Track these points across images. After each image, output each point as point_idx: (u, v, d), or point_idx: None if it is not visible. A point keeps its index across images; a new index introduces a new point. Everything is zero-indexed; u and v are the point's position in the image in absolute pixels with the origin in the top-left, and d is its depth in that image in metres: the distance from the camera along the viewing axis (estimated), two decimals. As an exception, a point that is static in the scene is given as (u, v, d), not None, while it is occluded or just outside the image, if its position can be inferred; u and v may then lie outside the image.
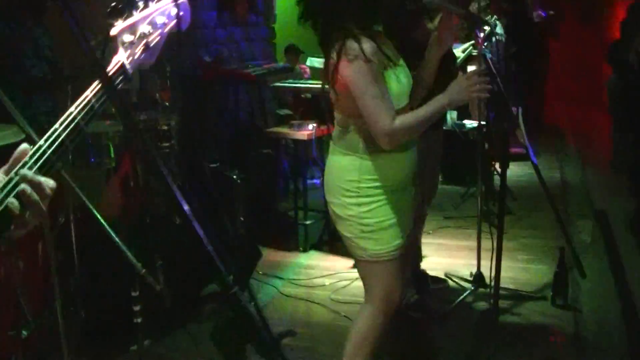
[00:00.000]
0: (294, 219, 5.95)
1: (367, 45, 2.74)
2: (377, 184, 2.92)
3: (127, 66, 1.74)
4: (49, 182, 1.55)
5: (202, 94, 6.73)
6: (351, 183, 2.94)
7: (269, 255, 5.60)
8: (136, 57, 1.77)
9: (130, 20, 1.76)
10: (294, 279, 5.17)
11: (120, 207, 4.03)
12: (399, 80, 2.88)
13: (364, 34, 2.78)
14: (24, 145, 1.56)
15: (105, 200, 3.98)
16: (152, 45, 1.80)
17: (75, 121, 1.59)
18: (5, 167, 1.56)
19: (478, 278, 4.70)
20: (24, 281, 2.92)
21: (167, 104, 5.12)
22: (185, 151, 6.48)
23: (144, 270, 2.57)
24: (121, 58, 1.74)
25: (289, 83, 6.46)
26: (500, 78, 3.12)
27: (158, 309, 3.85)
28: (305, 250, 5.73)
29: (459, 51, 4.26)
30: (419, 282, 4.71)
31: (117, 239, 2.62)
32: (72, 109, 1.61)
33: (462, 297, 4.63)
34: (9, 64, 4.53)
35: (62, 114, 1.61)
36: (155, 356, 3.92)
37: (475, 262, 4.76)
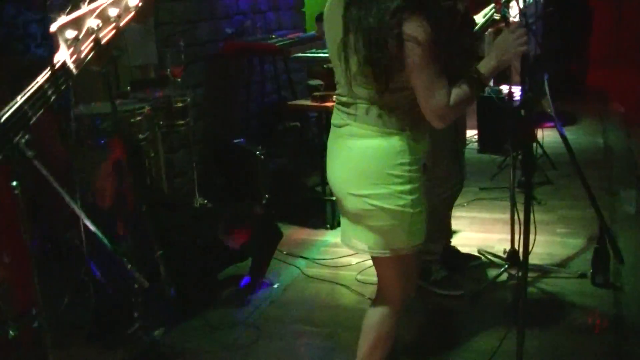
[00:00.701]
0: (321, 195, 5.69)
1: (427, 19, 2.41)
2: (419, 165, 2.59)
3: (71, 65, 1.58)
4: None
5: (223, 68, 6.51)
6: (402, 167, 2.56)
7: (294, 233, 5.39)
8: (83, 54, 1.61)
9: (74, 14, 1.58)
10: (318, 259, 4.93)
11: (113, 195, 3.83)
12: None
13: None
14: None
15: (98, 187, 3.78)
16: (103, 41, 1.63)
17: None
18: None
19: (512, 255, 4.41)
20: (10, 276, 2.74)
21: (178, 79, 4.88)
22: (209, 127, 6.31)
23: (148, 284, 2.34)
24: (63, 56, 1.58)
25: (311, 53, 6.19)
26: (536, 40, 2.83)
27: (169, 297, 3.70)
28: (332, 228, 5.48)
29: (479, 17, 3.92)
30: (448, 258, 4.45)
31: (108, 245, 2.40)
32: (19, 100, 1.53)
33: (494, 275, 4.35)
34: (19, 47, 4.41)
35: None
36: (166, 346, 3.74)
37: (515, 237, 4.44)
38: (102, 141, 4.30)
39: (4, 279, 2.77)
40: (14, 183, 2.46)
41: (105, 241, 2.37)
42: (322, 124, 5.88)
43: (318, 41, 7.04)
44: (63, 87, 1.59)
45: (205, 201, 5.34)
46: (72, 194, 3.74)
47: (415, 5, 2.36)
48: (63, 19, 1.56)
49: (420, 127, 2.60)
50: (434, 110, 2.47)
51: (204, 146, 6.26)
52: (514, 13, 3.99)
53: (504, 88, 7.07)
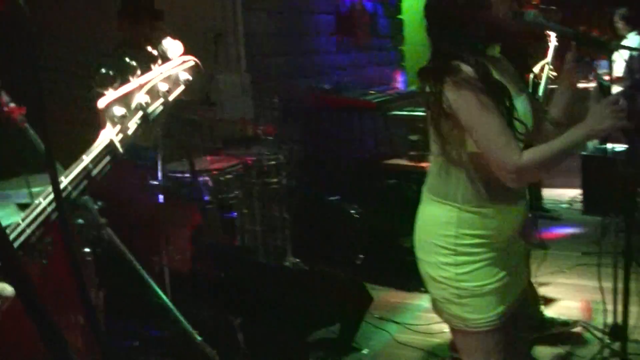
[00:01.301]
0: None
1: (472, 70, 2.32)
2: (478, 240, 2.44)
3: (117, 144, 1.49)
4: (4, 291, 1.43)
5: (321, 123, 6.45)
6: (447, 239, 2.46)
7: (388, 295, 5.20)
8: (130, 131, 1.52)
9: (123, 90, 1.50)
10: (411, 324, 4.70)
11: (190, 261, 3.76)
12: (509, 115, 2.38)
13: (475, 58, 2.37)
14: None
15: (174, 253, 3.71)
16: (152, 117, 1.55)
17: (45, 214, 1.42)
18: None
19: (614, 330, 4.05)
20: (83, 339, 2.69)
21: (270, 137, 4.83)
22: (305, 183, 6.23)
23: (200, 340, 2.23)
24: (109, 135, 1.49)
25: (407, 111, 6.05)
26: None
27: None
28: (427, 291, 5.24)
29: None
30: (538, 327, 4.16)
31: (171, 306, 2.31)
32: (41, 200, 1.43)
33: (594, 353, 4.03)
34: None
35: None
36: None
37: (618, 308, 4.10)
38: (206, 198, 4.31)
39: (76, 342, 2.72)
40: (87, 250, 2.42)
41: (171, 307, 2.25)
42: (421, 181, 5.70)
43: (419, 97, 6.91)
44: (110, 163, 1.50)
45: (297, 260, 5.23)
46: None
47: (447, 66, 2.33)
48: (111, 96, 1.48)
49: (482, 198, 2.43)
50: (502, 166, 2.31)
51: (300, 203, 6.18)
52: (618, 68, 3.72)
53: (611, 146, 6.69)
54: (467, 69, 2.33)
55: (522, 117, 2.39)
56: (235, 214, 4.82)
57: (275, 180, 4.90)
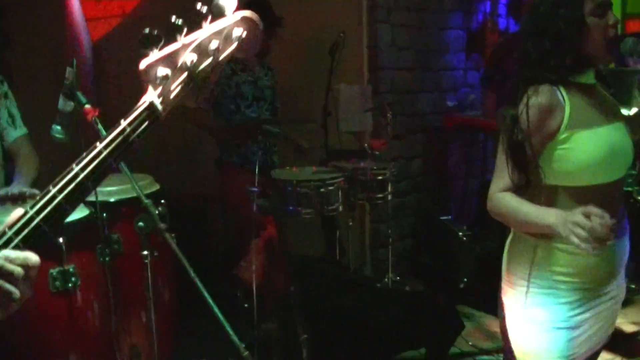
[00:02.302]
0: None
1: (544, 96, 2.27)
2: (556, 278, 2.33)
3: (159, 106, 1.41)
4: (29, 260, 1.32)
5: (443, 141, 6.33)
6: (520, 271, 2.39)
7: (489, 323, 5.04)
8: (173, 94, 1.44)
9: (167, 50, 1.42)
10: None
11: (263, 273, 3.76)
12: (595, 145, 2.27)
13: (558, 83, 2.31)
14: (19, 211, 1.34)
15: (246, 264, 3.72)
16: (201, 76, 1.47)
17: (77, 180, 1.35)
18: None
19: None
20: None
21: (377, 153, 4.78)
22: (422, 200, 6.15)
23: (246, 353, 2.24)
24: (150, 97, 1.42)
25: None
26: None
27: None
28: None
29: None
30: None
31: (219, 314, 2.32)
32: (73, 165, 1.36)
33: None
34: (230, 107, 4.66)
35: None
36: None
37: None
38: (291, 208, 4.32)
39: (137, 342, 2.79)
40: (145, 252, 2.48)
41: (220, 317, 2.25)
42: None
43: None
44: (150, 126, 1.44)
45: (398, 278, 5.16)
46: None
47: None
48: (153, 56, 1.41)
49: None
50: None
51: (415, 219, 6.10)
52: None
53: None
54: (545, 94, 2.28)
55: (601, 152, 2.27)
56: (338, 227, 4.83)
57: (380, 195, 4.82)
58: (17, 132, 3.22)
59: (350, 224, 4.94)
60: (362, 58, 5.67)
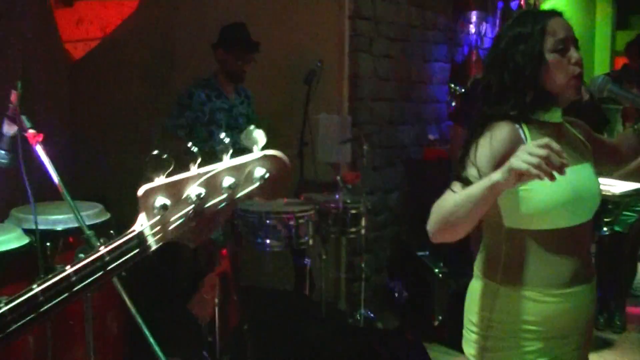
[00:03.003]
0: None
1: (503, 133, 2.18)
2: (517, 326, 2.23)
3: (150, 238, 1.26)
4: None
5: (422, 174, 6.23)
6: (479, 317, 2.28)
7: (461, 363, 4.92)
8: (171, 227, 1.27)
9: (174, 178, 1.26)
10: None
11: (213, 308, 3.65)
12: (558, 186, 2.02)
13: (519, 120, 2.22)
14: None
15: (197, 299, 3.61)
16: (208, 214, 1.29)
17: (35, 302, 1.23)
18: None
19: None
20: None
21: (349, 186, 4.68)
22: (401, 233, 6.05)
23: None
24: (141, 226, 1.26)
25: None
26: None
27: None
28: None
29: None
30: None
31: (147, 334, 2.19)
32: (35, 287, 1.23)
33: None
34: (203, 133, 4.59)
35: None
36: None
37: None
38: (259, 240, 4.22)
39: None
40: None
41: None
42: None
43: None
44: (135, 258, 1.28)
45: (370, 314, 5.04)
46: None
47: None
48: (156, 182, 1.25)
49: (529, 278, 2.21)
50: None
51: (392, 253, 5.99)
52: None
53: None
54: (504, 129, 2.19)
55: (562, 194, 2.15)
56: (309, 260, 4.71)
57: (354, 229, 4.71)
58: None
59: (324, 257, 4.82)
60: (342, 87, 5.58)
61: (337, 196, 4.61)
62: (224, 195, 1.29)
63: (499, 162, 2.08)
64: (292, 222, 4.23)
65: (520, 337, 2.23)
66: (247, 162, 1.30)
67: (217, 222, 1.31)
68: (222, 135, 1.36)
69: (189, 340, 3.52)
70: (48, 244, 2.67)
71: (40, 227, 2.57)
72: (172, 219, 1.27)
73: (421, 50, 6.15)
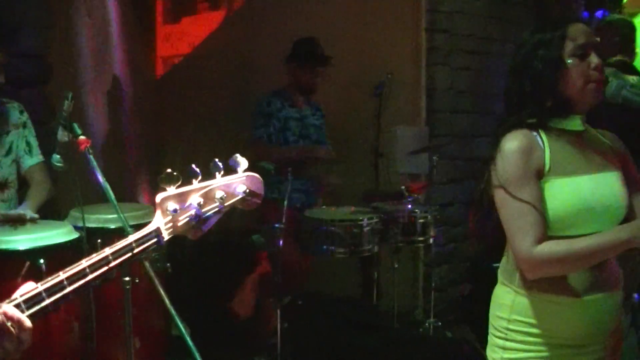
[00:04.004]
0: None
1: (521, 141, 2.18)
2: (532, 330, 2.24)
3: (164, 232, 1.72)
4: (24, 324, 1.53)
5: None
6: (500, 321, 2.32)
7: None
8: (179, 224, 1.74)
9: (182, 189, 1.74)
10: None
11: (252, 308, 3.75)
12: (572, 194, 2.17)
13: (537, 127, 2.23)
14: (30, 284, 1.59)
15: (238, 299, 3.73)
16: (205, 216, 1.76)
17: (85, 274, 1.61)
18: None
19: None
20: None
21: (416, 195, 4.71)
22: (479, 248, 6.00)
23: None
24: (158, 223, 1.72)
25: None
26: None
27: None
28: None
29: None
30: None
31: (191, 346, 2.32)
32: (83, 262, 1.64)
33: None
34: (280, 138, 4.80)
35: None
36: None
37: None
38: (324, 247, 4.30)
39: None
40: (126, 279, 2.53)
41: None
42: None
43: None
44: (152, 249, 1.72)
45: (439, 324, 5.04)
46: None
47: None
48: (169, 192, 1.71)
49: (546, 285, 2.20)
50: (516, 254, 2.17)
51: (471, 265, 5.95)
52: None
53: None
54: (524, 138, 2.19)
55: (582, 202, 2.16)
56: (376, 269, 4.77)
57: (421, 239, 4.73)
58: (32, 160, 3.38)
59: (396, 266, 4.86)
60: (419, 100, 5.63)
61: (409, 206, 4.66)
62: (216, 204, 1.77)
63: (527, 168, 2.16)
64: (355, 230, 4.29)
65: (534, 342, 2.24)
66: (233, 179, 1.80)
67: (210, 222, 1.78)
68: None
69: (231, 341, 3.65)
70: (99, 240, 2.86)
71: (93, 225, 2.81)
72: (180, 218, 1.73)
73: (501, 63, 6.10)
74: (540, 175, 2.19)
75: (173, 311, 2.33)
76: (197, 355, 2.21)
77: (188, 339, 2.27)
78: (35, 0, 3.65)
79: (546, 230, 2.16)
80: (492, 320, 2.37)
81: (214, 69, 6.12)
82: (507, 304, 2.29)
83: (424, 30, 5.54)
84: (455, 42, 5.70)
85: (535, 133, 2.22)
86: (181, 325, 2.31)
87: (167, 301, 2.36)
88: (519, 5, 6.23)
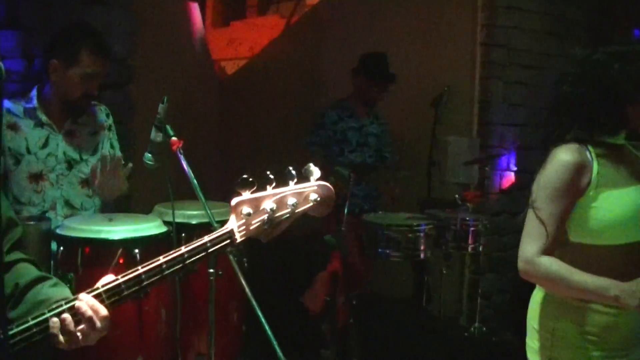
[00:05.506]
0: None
1: (573, 156, 2.28)
2: (579, 336, 2.34)
3: (237, 234, 1.83)
4: (100, 312, 1.70)
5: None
6: (545, 325, 2.41)
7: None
8: (251, 227, 1.84)
9: (256, 195, 1.83)
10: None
11: (322, 303, 3.96)
12: (621, 204, 2.28)
13: (587, 142, 2.32)
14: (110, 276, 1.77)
15: (310, 294, 3.94)
16: (277, 221, 1.85)
17: (161, 270, 1.77)
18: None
19: None
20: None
21: (469, 204, 4.87)
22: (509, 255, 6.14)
23: None
24: (232, 225, 1.83)
25: None
26: None
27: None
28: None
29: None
30: None
31: (272, 338, 2.50)
32: (161, 258, 1.79)
33: None
34: (335, 149, 5.00)
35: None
36: None
37: None
38: (380, 250, 4.50)
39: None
40: (211, 270, 2.73)
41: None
42: None
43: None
44: (226, 247, 1.85)
45: (484, 329, 5.19)
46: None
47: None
48: (244, 197, 1.81)
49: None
50: (519, 256, 2.35)
51: (516, 274, 6.07)
52: None
53: None
54: (574, 153, 2.28)
55: (623, 214, 2.26)
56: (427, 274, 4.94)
57: (472, 246, 4.90)
58: None
59: (445, 272, 5.03)
60: (472, 111, 5.78)
61: (462, 214, 4.84)
62: (288, 210, 1.85)
63: (573, 184, 2.27)
64: (410, 235, 4.48)
65: (583, 346, 2.32)
66: (306, 187, 1.87)
67: (281, 227, 1.88)
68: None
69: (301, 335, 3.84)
70: (183, 234, 3.08)
71: (178, 220, 2.96)
72: (253, 222, 1.84)
73: (554, 76, 6.21)
74: (582, 192, 2.29)
75: (254, 303, 2.48)
76: (276, 345, 2.33)
77: (268, 329, 2.42)
78: (123, 8, 3.86)
79: (556, 245, 2.29)
80: (534, 325, 2.43)
81: (275, 75, 6.32)
82: (553, 309, 2.38)
83: (479, 45, 5.70)
84: (511, 56, 5.84)
85: (585, 148, 2.30)
86: (262, 318, 2.47)
87: (249, 293, 2.51)
88: (576, 23, 6.34)
